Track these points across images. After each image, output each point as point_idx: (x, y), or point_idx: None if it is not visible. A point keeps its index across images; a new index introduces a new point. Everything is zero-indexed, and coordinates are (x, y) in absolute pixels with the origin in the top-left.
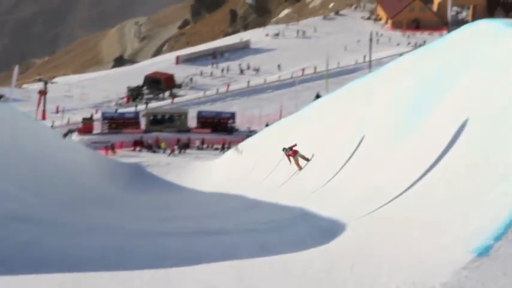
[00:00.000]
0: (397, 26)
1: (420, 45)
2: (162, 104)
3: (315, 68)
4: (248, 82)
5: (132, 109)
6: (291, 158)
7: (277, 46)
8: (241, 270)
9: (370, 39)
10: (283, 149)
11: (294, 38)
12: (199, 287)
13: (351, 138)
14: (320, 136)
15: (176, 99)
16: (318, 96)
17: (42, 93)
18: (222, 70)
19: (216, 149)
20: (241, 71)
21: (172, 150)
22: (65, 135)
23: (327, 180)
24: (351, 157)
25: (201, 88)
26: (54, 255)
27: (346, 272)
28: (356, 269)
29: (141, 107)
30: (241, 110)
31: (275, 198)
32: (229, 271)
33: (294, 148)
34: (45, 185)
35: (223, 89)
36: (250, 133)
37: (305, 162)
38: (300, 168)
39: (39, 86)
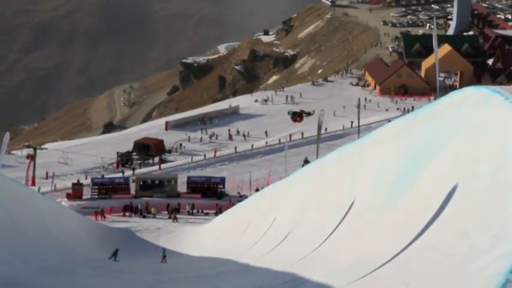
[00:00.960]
0: (385, 91)
1: (409, 111)
2: (151, 169)
3: (302, 133)
4: (235, 148)
5: (120, 174)
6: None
7: (266, 112)
8: None
9: (359, 105)
10: (289, 112)
11: (283, 104)
12: None
13: (341, 203)
14: (310, 201)
15: (165, 165)
16: (306, 161)
17: (31, 157)
18: (211, 136)
19: (207, 213)
20: (230, 137)
21: (175, 217)
22: (113, 255)
23: (316, 246)
24: (340, 222)
25: (190, 153)
26: None
27: None
28: None
29: (130, 172)
30: (231, 175)
31: (265, 263)
32: None
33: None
34: (34, 250)
35: (212, 155)
36: (240, 198)
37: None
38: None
39: (29, 152)
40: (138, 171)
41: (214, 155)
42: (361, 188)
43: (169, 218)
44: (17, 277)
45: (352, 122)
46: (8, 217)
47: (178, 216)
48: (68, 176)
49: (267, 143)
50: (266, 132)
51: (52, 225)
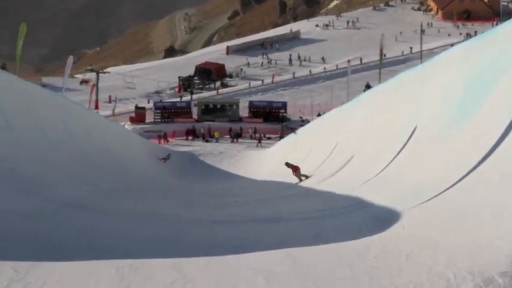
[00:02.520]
0: (447, 16)
1: (471, 36)
2: (212, 93)
3: (361, 59)
4: (293, 73)
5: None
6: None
7: (327, 37)
8: (296, 257)
9: (421, 30)
10: (286, 164)
11: (344, 29)
12: (254, 274)
13: (403, 128)
14: (372, 126)
15: (227, 89)
16: (368, 87)
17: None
18: (269, 61)
19: (269, 138)
20: (291, 62)
21: (259, 141)
22: (165, 158)
23: (380, 170)
24: (403, 147)
25: (251, 78)
26: (110, 242)
27: (401, 260)
28: (412, 257)
29: (194, 96)
30: (292, 99)
31: (329, 187)
32: (284, 259)
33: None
34: (99, 174)
35: (277, 78)
36: (302, 122)
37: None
38: (300, 179)
39: (91, 76)
40: (199, 95)
41: (272, 80)
42: (424, 113)
43: (232, 142)
44: (84, 199)
45: (411, 48)
46: (71, 141)
47: (240, 140)
48: (131, 100)
49: (325, 68)
50: (323, 58)
51: (116, 149)
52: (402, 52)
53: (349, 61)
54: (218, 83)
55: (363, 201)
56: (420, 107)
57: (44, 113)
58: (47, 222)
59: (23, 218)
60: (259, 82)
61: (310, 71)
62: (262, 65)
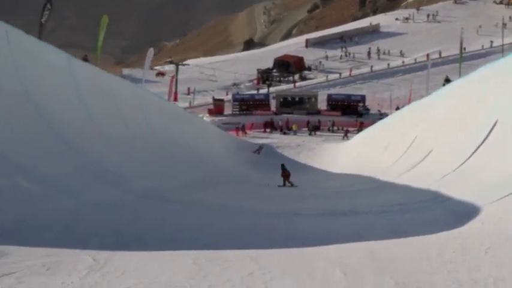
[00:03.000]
0: None
1: None
2: (290, 86)
3: (440, 52)
4: (371, 67)
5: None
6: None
7: (407, 30)
8: (374, 251)
9: (503, 23)
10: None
11: (424, 22)
12: (332, 266)
13: (483, 122)
14: (452, 120)
15: (305, 82)
16: (447, 80)
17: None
18: (347, 55)
19: (347, 131)
20: (369, 55)
21: (346, 134)
22: (258, 149)
23: (459, 164)
24: (483, 142)
25: (329, 71)
26: (188, 233)
27: (481, 255)
28: (491, 252)
29: (271, 88)
30: (371, 93)
31: (407, 180)
32: (361, 252)
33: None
34: (178, 167)
35: (352, 72)
36: (381, 116)
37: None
38: (285, 183)
39: (168, 68)
40: (276, 88)
41: (350, 74)
42: (505, 108)
43: (310, 134)
44: (162, 191)
45: (491, 42)
46: (151, 133)
47: (318, 133)
48: (209, 92)
49: (403, 62)
50: (401, 52)
51: (194, 141)
52: (482, 46)
53: (428, 55)
54: (296, 76)
55: (442, 195)
56: (501, 101)
57: (124, 105)
58: (127, 213)
59: (105, 209)
60: (337, 75)
61: (388, 65)
62: (340, 58)
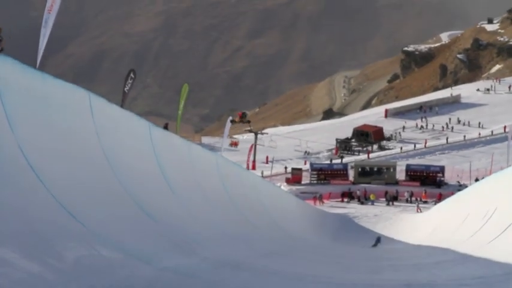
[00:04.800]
0: None
1: None
2: (363, 157)
3: None
4: (446, 139)
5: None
6: None
7: (488, 101)
8: None
9: None
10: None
11: (506, 93)
12: None
13: None
14: None
15: (376, 153)
16: None
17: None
18: (425, 126)
19: (425, 202)
20: (447, 126)
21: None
22: (376, 242)
23: None
24: None
25: (409, 141)
26: None
27: None
28: None
29: (348, 158)
30: (450, 163)
31: (486, 253)
32: None
33: None
34: (255, 235)
35: (432, 143)
36: (460, 187)
37: None
38: None
39: (250, 136)
40: (348, 158)
41: (425, 145)
42: None
43: (388, 205)
44: (240, 259)
45: None
46: (229, 201)
47: (396, 203)
48: (288, 161)
49: (479, 134)
50: (479, 124)
51: (272, 209)
52: None
53: (505, 127)
54: (375, 147)
55: None
56: None
57: (203, 173)
58: (202, 282)
59: (180, 277)
60: (420, 145)
61: (464, 137)
62: (420, 128)
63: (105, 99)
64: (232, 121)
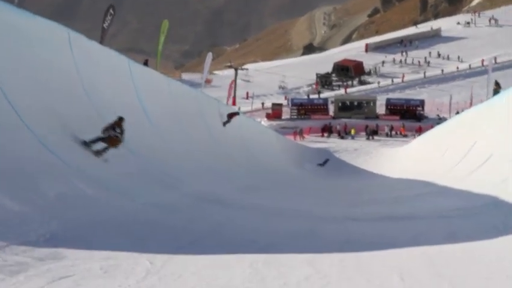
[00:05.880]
0: None
1: None
2: (351, 90)
3: (495, 58)
4: (424, 73)
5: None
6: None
7: (469, 35)
8: (432, 256)
9: None
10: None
11: (486, 27)
12: (390, 271)
13: None
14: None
15: (364, 87)
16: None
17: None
18: (404, 60)
19: (405, 135)
20: (426, 60)
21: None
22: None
23: None
24: None
25: (389, 76)
26: (246, 236)
27: None
28: None
29: (329, 93)
30: (430, 97)
31: (465, 185)
32: (419, 257)
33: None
34: (236, 170)
35: (410, 77)
36: (439, 120)
37: None
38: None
39: (230, 72)
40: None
41: (402, 80)
42: None
43: (368, 139)
44: (221, 194)
45: None
46: (210, 137)
47: (376, 137)
48: (268, 96)
49: (457, 68)
50: (458, 57)
51: (252, 145)
52: None
53: (483, 60)
54: (355, 81)
55: (501, 200)
56: None
57: (184, 110)
58: (184, 216)
59: (162, 212)
60: (392, 80)
61: (442, 71)
62: (400, 63)
63: (84, 35)
64: (224, 123)
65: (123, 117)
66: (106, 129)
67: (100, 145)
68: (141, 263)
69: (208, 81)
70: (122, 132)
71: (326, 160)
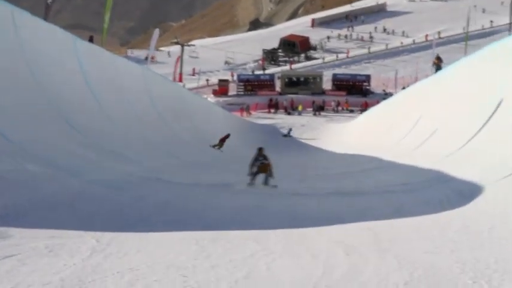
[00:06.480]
0: None
1: None
2: (297, 66)
3: (439, 33)
4: (368, 48)
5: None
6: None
7: (414, 9)
8: (378, 231)
9: None
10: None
11: (431, 1)
12: (335, 247)
13: (488, 102)
14: (456, 99)
15: (311, 62)
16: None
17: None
18: (349, 36)
19: (352, 111)
20: (371, 35)
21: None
22: (287, 134)
23: (463, 144)
24: (487, 121)
25: (336, 51)
26: (192, 213)
27: (484, 234)
28: (494, 231)
29: (275, 69)
30: (376, 72)
31: (410, 160)
32: (365, 232)
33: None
34: (182, 147)
35: (356, 52)
36: (385, 96)
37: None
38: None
39: (177, 48)
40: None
41: (347, 55)
42: (510, 87)
43: (314, 114)
44: (168, 172)
45: (491, 22)
46: (156, 113)
47: (323, 113)
48: (214, 73)
49: (401, 43)
50: (403, 32)
51: (199, 121)
52: (491, 24)
53: (427, 35)
54: (301, 57)
55: (445, 175)
56: (506, 81)
57: (129, 86)
58: (129, 195)
59: (108, 189)
60: (339, 56)
61: (386, 45)
62: (346, 38)
63: (28, 12)
64: (213, 146)
65: (262, 147)
66: (253, 164)
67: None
68: (86, 241)
69: (152, 58)
70: (265, 158)
71: (290, 130)
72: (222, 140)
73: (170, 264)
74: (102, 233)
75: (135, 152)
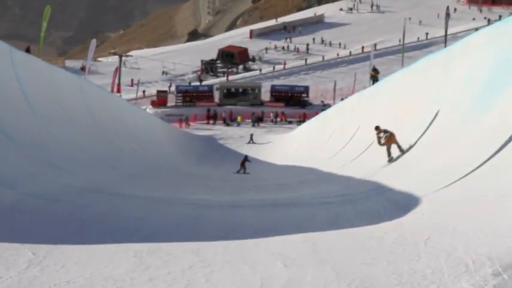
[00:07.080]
0: (472, 0)
1: (496, 21)
2: (235, 77)
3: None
4: (305, 60)
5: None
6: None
7: (351, 20)
8: (315, 242)
9: (447, 14)
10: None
11: (368, 13)
12: (273, 258)
13: (426, 112)
14: (394, 111)
15: (249, 73)
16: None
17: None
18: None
19: (290, 122)
20: (309, 47)
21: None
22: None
23: (400, 155)
24: (425, 132)
25: (274, 62)
26: (130, 225)
27: (420, 246)
28: (431, 243)
29: (214, 80)
30: (315, 84)
31: (348, 172)
32: (302, 243)
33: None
34: (120, 158)
35: (293, 64)
36: (324, 107)
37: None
38: (390, 158)
39: (115, 59)
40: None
41: (284, 67)
42: (447, 98)
43: (253, 125)
44: (106, 183)
45: (427, 34)
46: (94, 124)
47: (261, 124)
48: (153, 84)
49: (338, 54)
50: (340, 44)
51: (137, 132)
52: (418, 38)
53: (363, 47)
54: (240, 68)
55: (383, 186)
56: (444, 91)
57: (66, 96)
58: (66, 206)
59: (44, 202)
60: (275, 67)
61: (323, 57)
62: (283, 49)
63: None
64: (237, 172)
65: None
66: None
67: None
68: (23, 254)
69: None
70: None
71: (251, 135)
72: (243, 164)
73: (108, 277)
74: (39, 245)
75: (73, 163)
